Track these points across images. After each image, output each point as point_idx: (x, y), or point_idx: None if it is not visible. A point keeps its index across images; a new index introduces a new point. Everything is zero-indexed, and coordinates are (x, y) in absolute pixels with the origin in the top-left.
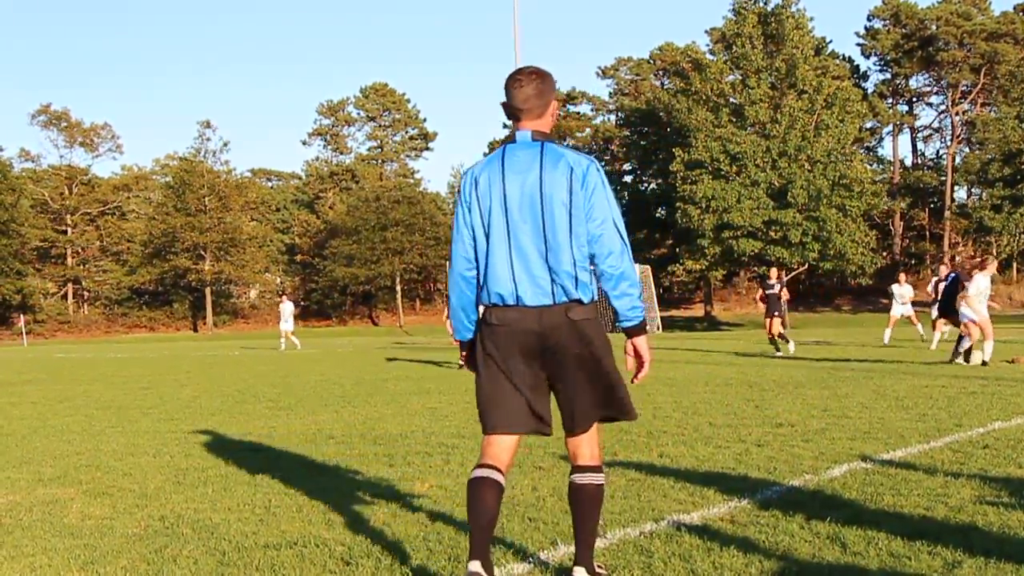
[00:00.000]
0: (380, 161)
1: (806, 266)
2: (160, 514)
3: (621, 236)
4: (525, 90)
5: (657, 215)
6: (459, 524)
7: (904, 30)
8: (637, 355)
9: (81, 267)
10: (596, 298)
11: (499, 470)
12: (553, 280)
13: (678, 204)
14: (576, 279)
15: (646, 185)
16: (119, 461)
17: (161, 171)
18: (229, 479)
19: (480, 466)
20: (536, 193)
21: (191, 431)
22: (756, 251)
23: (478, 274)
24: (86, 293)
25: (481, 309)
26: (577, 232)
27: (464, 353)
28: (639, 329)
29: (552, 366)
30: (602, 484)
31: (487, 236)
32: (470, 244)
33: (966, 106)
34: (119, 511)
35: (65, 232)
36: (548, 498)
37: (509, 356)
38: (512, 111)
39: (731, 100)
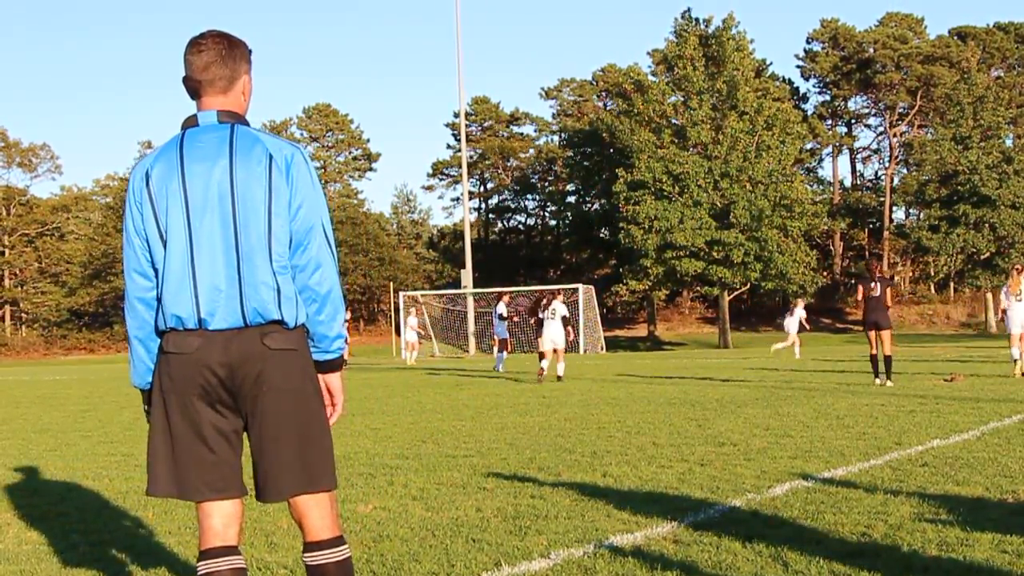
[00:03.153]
0: (324, 182)
1: (748, 285)
2: (99, 539)
3: (330, 246)
4: (205, 56)
5: (600, 235)
6: (403, 545)
7: (842, 53)
8: (331, 395)
9: (19, 289)
10: (305, 324)
11: (232, 551)
12: (245, 296)
13: (621, 224)
14: (278, 294)
15: (589, 205)
16: (57, 485)
17: (101, 191)
18: (169, 502)
19: (205, 556)
20: (225, 188)
21: (130, 454)
22: (699, 271)
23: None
24: (24, 315)
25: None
26: (278, 236)
27: (147, 408)
28: (340, 363)
29: (246, 412)
30: (347, 559)
31: (164, 244)
32: (145, 256)
33: (903, 128)
34: (56, 536)
35: (2, 253)
36: (492, 519)
37: (191, 396)
38: (192, 84)
39: (673, 121)
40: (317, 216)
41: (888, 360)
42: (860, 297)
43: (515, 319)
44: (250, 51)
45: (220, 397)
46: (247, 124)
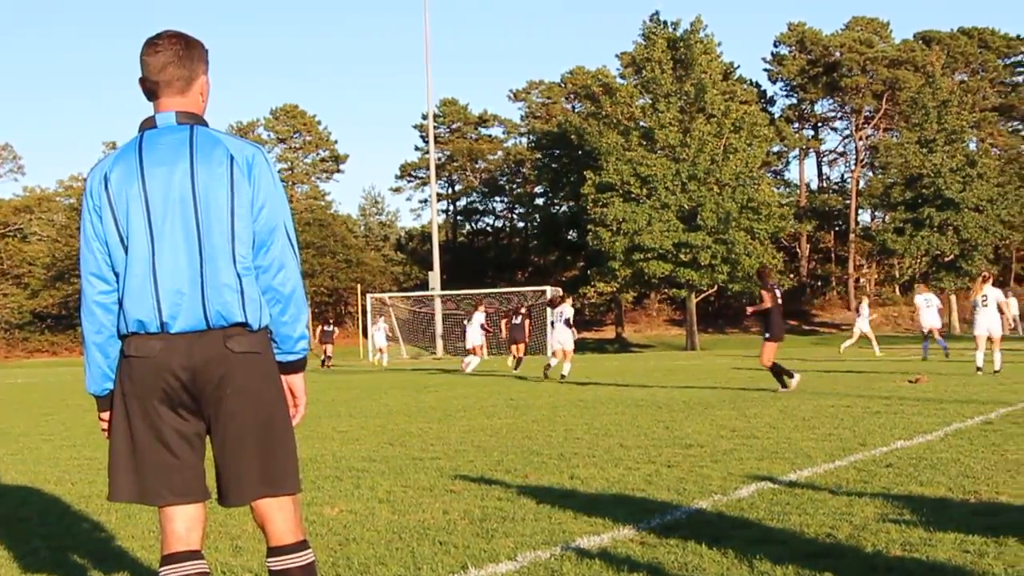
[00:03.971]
0: (290, 183)
1: (715, 288)
2: (61, 544)
3: (293, 247)
4: (162, 57)
5: (568, 237)
6: (370, 548)
7: (809, 56)
8: (294, 396)
9: None
10: (269, 327)
11: (195, 555)
12: (208, 298)
13: (589, 227)
14: (242, 296)
15: (557, 208)
16: (18, 490)
17: (65, 192)
18: (132, 507)
19: (168, 560)
20: (187, 190)
21: (93, 458)
22: (666, 273)
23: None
24: None
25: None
26: (241, 237)
27: (102, 417)
28: (303, 364)
29: (208, 415)
30: (311, 564)
31: (125, 247)
32: (104, 260)
33: (869, 131)
34: (18, 541)
35: None
36: (459, 521)
37: (152, 399)
38: (149, 86)
39: (641, 124)
40: (280, 216)
41: (774, 369)
42: (769, 304)
43: (489, 330)
44: (207, 51)
45: (182, 401)
46: (206, 125)
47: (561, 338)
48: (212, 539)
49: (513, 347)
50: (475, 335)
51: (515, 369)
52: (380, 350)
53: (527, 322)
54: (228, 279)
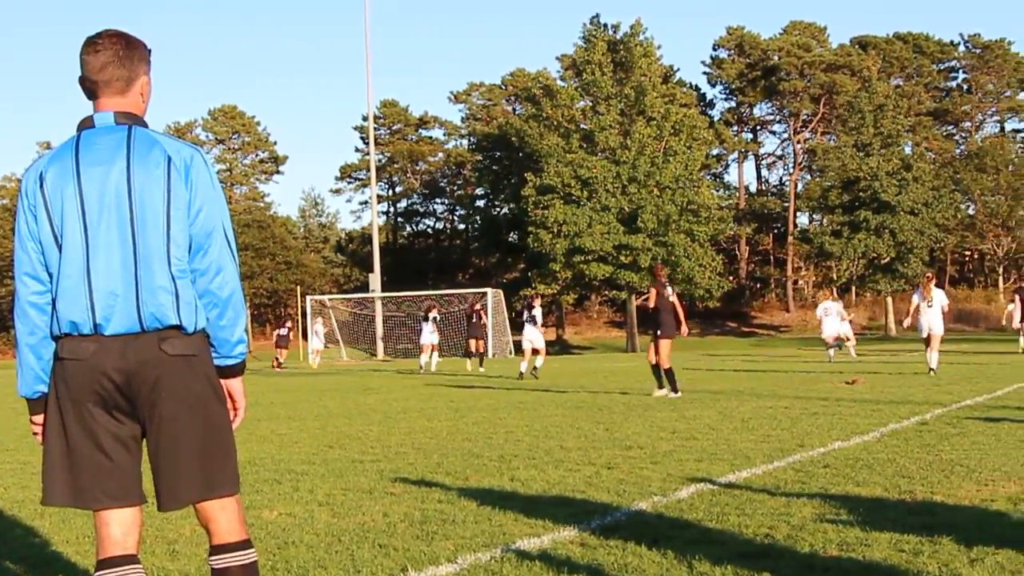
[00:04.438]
0: (229, 184)
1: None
2: None
3: (232, 250)
4: (102, 56)
5: (509, 239)
6: (309, 552)
7: (748, 60)
8: (232, 400)
9: None
10: (206, 329)
11: (131, 559)
12: (142, 300)
13: (530, 228)
14: (177, 298)
15: (498, 209)
16: None
17: None
18: (66, 511)
19: (103, 565)
20: (123, 191)
21: (27, 462)
22: (607, 275)
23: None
24: None
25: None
26: (177, 240)
27: (34, 420)
28: (241, 368)
29: (144, 418)
30: (253, 563)
31: (59, 247)
32: (38, 260)
33: (807, 134)
34: None
35: None
36: (399, 524)
37: (87, 402)
38: (88, 85)
39: (582, 126)
40: (218, 219)
41: (669, 372)
42: (652, 304)
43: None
44: (149, 51)
45: (117, 403)
46: (145, 125)
47: (531, 336)
48: (148, 543)
49: (472, 343)
50: (431, 335)
51: (480, 367)
52: (316, 351)
53: (484, 321)
54: (163, 281)
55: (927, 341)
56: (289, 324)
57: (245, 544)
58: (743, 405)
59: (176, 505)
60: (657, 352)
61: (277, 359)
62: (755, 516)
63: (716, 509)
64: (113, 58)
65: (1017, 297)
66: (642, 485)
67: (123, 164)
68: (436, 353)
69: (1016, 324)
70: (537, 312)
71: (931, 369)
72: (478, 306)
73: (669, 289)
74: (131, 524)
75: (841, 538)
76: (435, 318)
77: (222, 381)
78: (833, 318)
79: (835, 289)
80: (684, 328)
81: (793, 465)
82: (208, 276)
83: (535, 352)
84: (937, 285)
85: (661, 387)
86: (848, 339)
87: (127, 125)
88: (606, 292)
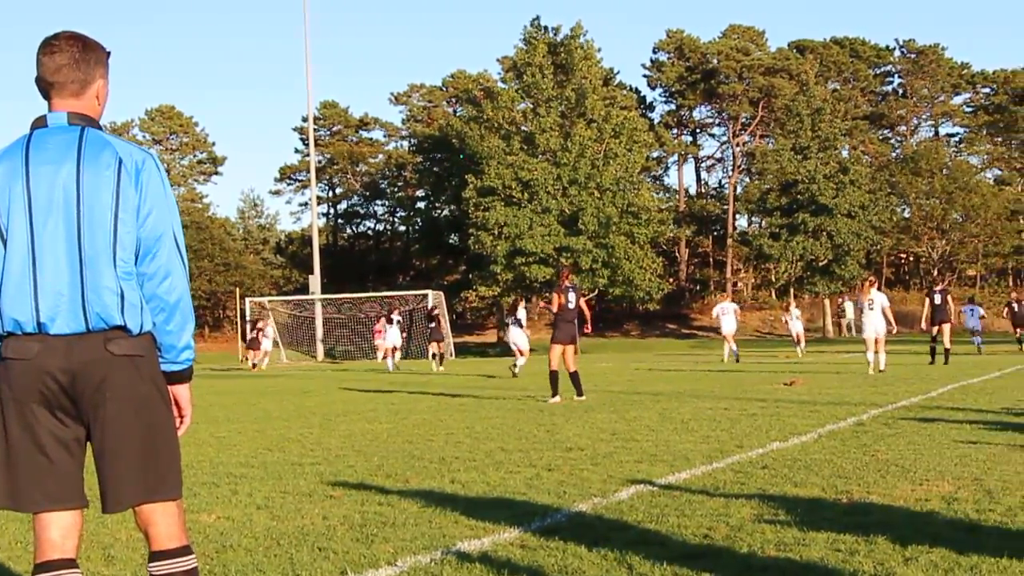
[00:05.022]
0: None
1: (596, 292)
2: None
3: (181, 255)
4: (58, 58)
5: (450, 241)
6: (248, 555)
7: (687, 63)
8: (179, 406)
9: None
10: (151, 331)
11: (70, 564)
12: (88, 301)
13: (471, 230)
14: (122, 299)
15: (439, 211)
16: None
17: None
18: (2, 514)
19: (41, 569)
20: (71, 191)
21: None
22: (548, 277)
23: None
24: None
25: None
26: (124, 241)
27: None
28: (189, 375)
29: (88, 419)
30: (193, 569)
31: (4, 245)
32: None
33: (746, 137)
34: None
35: None
36: (339, 527)
37: (30, 403)
38: (43, 85)
39: (522, 128)
40: (167, 224)
41: (576, 375)
42: (556, 309)
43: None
44: (108, 54)
45: (61, 404)
46: (99, 128)
47: (515, 339)
48: (84, 548)
49: (433, 345)
50: (394, 336)
51: (440, 366)
52: (267, 353)
53: (442, 322)
54: (109, 282)
55: (869, 342)
56: (263, 326)
57: (186, 550)
58: (683, 406)
59: (118, 508)
60: (568, 358)
61: (250, 359)
62: (694, 517)
63: (656, 510)
64: (69, 60)
65: (927, 300)
66: (582, 487)
67: (73, 164)
68: (398, 354)
69: (923, 325)
70: (522, 314)
71: (880, 370)
72: (436, 311)
73: (572, 295)
74: (71, 528)
75: (779, 538)
76: (398, 320)
77: (169, 387)
78: (730, 317)
79: (731, 291)
80: (587, 327)
81: (732, 466)
82: (156, 280)
83: (520, 353)
84: (877, 288)
85: (556, 395)
86: (800, 340)
87: (80, 126)
88: (547, 294)
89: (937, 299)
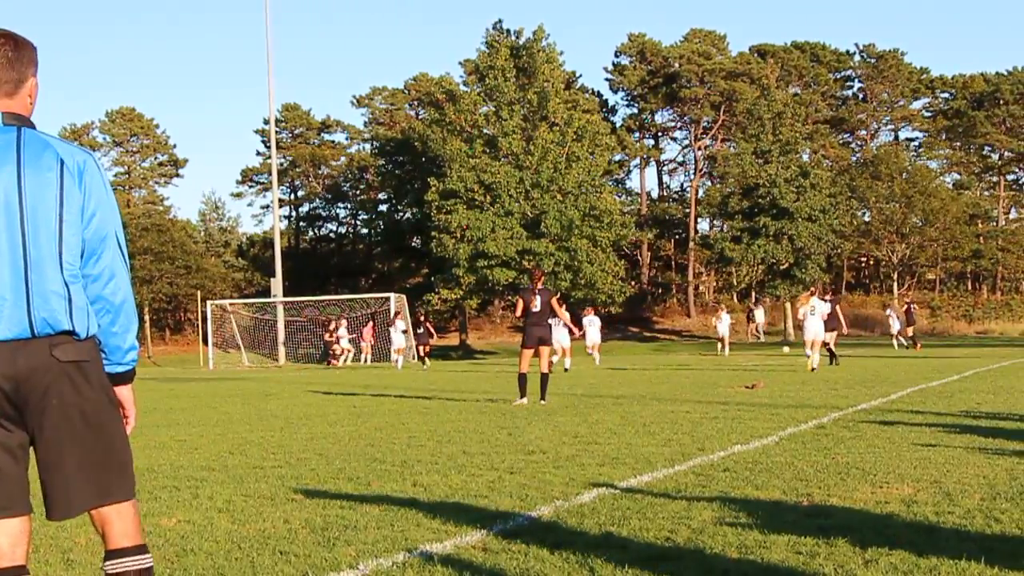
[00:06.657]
0: (127, 188)
1: (559, 295)
2: None
3: (124, 255)
4: None
5: (412, 244)
6: (209, 559)
7: (649, 67)
8: (123, 408)
9: None
10: (96, 333)
11: (21, 571)
12: (34, 306)
13: (433, 233)
14: (69, 303)
15: (401, 214)
16: None
17: None
18: None
19: None
20: (12, 194)
21: None
22: (510, 280)
23: None
24: None
25: None
26: (69, 243)
27: None
28: (132, 376)
29: (32, 426)
30: (149, 568)
31: None
32: None
33: (707, 141)
34: None
35: None
36: (301, 531)
37: None
38: None
39: (485, 131)
40: (111, 225)
41: (545, 378)
42: (519, 312)
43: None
44: (36, 51)
45: (5, 411)
46: (34, 127)
47: (559, 336)
48: (42, 552)
49: (420, 348)
50: (399, 338)
51: (424, 367)
52: (344, 351)
53: (429, 327)
54: (55, 286)
55: (810, 344)
56: (332, 327)
57: (141, 549)
58: (645, 409)
59: (66, 514)
60: (541, 360)
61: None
62: (656, 520)
63: (618, 513)
64: (2, 59)
65: (890, 310)
66: (544, 489)
67: (13, 167)
68: (403, 356)
69: (894, 330)
70: (565, 315)
71: (813, 368)
72: (422, 317)
73: (539, 298)
74: (19, 535)
75: (740, 541)
76: (404, 329)
77: (114, 389)
78: (593, 328)
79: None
80: (575, 332)
81: (694, 469)
82: (101, 281)
83: (563, 351)
84: (834, 292)
85: (523, 396)
86: (724, 344)
87: (16, 126)
88: (509, 297)
89: (827, 308)
